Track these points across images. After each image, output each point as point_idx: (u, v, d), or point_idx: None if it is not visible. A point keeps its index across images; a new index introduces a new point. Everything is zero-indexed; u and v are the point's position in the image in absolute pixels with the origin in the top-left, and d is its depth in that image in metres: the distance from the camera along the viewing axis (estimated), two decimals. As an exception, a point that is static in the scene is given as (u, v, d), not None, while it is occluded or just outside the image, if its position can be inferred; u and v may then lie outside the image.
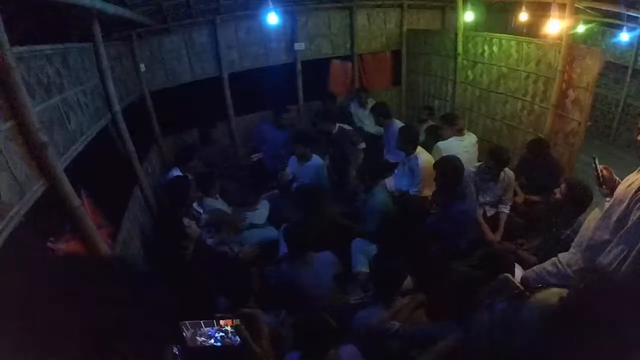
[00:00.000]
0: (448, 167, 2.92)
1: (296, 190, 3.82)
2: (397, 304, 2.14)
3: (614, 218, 1.84)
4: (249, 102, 5.06)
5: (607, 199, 1.98)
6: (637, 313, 0.53)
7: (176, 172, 3.53)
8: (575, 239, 2.23)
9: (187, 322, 0.80)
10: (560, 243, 2.60)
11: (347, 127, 4.76)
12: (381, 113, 4.43)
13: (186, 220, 2.85)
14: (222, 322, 0.79)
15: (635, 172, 1.89)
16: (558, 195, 2.70)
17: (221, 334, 0.79)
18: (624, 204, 1.78)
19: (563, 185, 2.71)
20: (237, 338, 0.78)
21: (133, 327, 0.49)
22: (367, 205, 3.25)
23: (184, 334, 0.80)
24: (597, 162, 2.03)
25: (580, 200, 2.59)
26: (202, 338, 0.80)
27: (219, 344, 0.80)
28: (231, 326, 0.79)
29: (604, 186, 2.00)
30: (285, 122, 4.70)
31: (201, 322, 0.80)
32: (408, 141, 3.63)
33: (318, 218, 3.31)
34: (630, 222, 1.74)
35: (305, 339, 1.90)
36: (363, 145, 4.48)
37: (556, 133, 3.78)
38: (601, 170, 2.00)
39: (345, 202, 3.66)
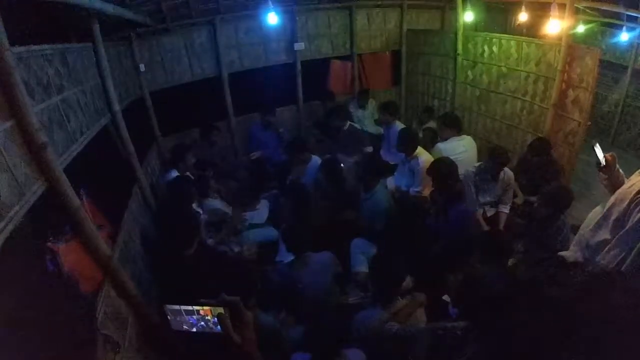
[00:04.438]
0: (440, 168, 2.93)
1: (289, 189, 3.81)
2: (397, 305, 2.13)
3: (614, 217, 1.85)
4: (249, 102, 5.05)
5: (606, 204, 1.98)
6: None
7: (174, 173, 3.53)
8: (576, 237, 2.23)
9: (168, 307, 0.81)
10: (543, 245, 2.66)
11: (358, 126, 4.75)
12: (388, 111, 4.42)
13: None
14: (202, 311, 0.80)
15: (636, 173, 1.89)
16: (536, 205, 2.78)
17: (202, 323, 0.81)
18: (624, 205, 1.78)
19: (539, 197, 2.77)
20: (218, 327, 0.79)
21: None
22: (367, 205, 3.24)
23: (167, 317, 0.82)
24: (597, 148, 1.99)
25: (561, 205, 2.64)
26: (185, 326, 0.82)
27: (200, 331, 0.81)
28: (211, 315, 0.79)
29: (602, 173, 1.99)
30: (270, 123, 4.66)
31: (181, 309, 0.81)
32: (408, 143, 3.63)
33: (315, 218, 3.30)
34: (629, 224, 1.74)
35: (316, 341, 1.90)
36: (370, 148, 4.47)
37: (556, 133, 3.77)
38: (605, 157, 1.97)
39: (344, 202, 3.66)
